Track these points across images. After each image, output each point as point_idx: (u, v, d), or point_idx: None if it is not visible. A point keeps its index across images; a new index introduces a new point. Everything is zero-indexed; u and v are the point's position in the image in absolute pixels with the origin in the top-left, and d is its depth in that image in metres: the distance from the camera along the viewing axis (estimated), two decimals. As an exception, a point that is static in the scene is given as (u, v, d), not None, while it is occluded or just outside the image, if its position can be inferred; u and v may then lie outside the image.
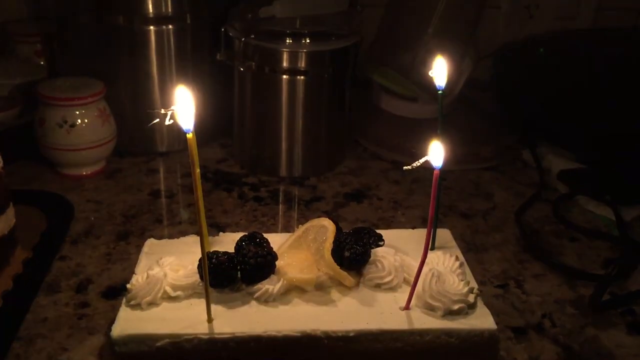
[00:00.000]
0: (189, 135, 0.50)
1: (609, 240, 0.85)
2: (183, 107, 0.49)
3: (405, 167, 0.53)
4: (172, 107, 0.49)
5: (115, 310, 0.61)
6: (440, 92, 0.62)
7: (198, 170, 0.53)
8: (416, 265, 0.58)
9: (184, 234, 0.73)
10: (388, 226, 0.86)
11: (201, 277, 0.58)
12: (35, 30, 1.11)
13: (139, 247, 0.70)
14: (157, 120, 0.50)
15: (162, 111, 0.50)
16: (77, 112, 0.91)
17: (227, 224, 0.85)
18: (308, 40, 0.90)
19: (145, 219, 0.85)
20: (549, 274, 0.77)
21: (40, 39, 1.11)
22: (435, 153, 0.52)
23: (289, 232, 0.69)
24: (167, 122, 0.49)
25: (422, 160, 0.52)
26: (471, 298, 0.58)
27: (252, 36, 0.90)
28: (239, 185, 0.95)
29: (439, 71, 0.62)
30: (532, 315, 0.70)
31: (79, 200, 0.89)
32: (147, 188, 0.93)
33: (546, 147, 1.05)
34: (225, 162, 1.02)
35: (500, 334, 0.61)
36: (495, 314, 0.60)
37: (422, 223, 0.86)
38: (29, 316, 0.67)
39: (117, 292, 0.71)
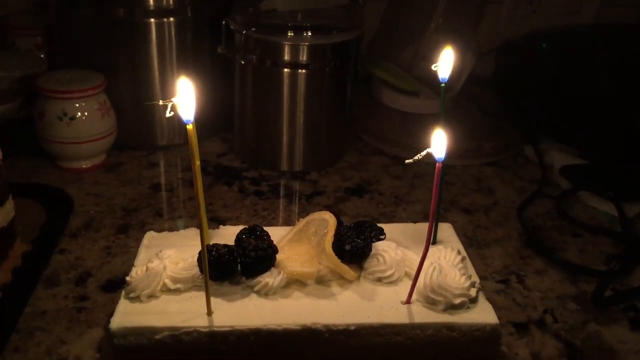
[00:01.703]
0: (189, 127, 0.50)
1: (611, 237, 0.84)
2: (184, 98, 0.49)
3: (407, 161, 0.52)
4: (172, 99, 0.49)
5: (114, 304, 0.60)
6: (442, 84, 0.62)
7: (198, 162, 0.53)
8: (417, 259, 0.57)
9: (184, 227, 0.73)
10: (389, 221, 0.85)
11: (201, 270, 0.58)
12: (35, 23, 1.10)
13: (138, 241, 0.70)
14: (156, 102, 0.50)
15: (161, 102, 0.49)
16: (77, 105, 0.90)
17: (228, 218, 0.85)
18: (309, 34, 0.89)
19: (145, 213, 0.85)
20: (550, 270, 0.77)
21: (40, 32, 1.10)
22: (438, 145, 0.51)
23: (289, 226, 0.68)
24: (168, 114, 0.49)
25: (424, 153, 0.51)
26: (473, 292, 0.58)
27: (253, 29, 0.90)
28: (240, 180, 0.95)
29: (443, 63, 0.61)
30: (533, 311, 0.70)
31: (79, 193, 0.88)
32: (147, 182, 0.93)
33: (548, 142, 1.05)
34: (225, 156, 1.02)
35: (502, 329, 0.61)
36: (496, 309, 0.60)
37: (424, 218, 0.86)
38: (28, 309, 0.66)
39: (116, 285, 0.70)
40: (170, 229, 0.72)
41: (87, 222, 0.82)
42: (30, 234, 0.76)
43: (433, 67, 0.62)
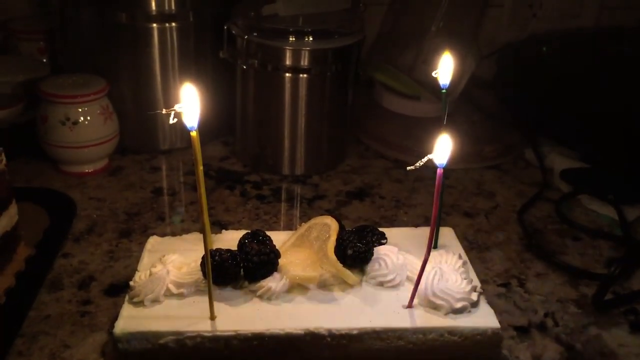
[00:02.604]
0: (193, 133, 0.50)
1: (611, 240, 0.85)
2: (187, 104, 0.49)
3: (409, 168, 0.53)
4: (174, 107, 0.49)
5: (117, 308, 0.61)
6: (443, 90, 0.62)
7: (201, 168, 0.53)
8: (419, 263, 0.58)
9: (186, 231, 0.73)
10: (390, 225, 0.85)
11: (204, 275, 0.58)
12: (37, 28, 1.11)
13: (141, 245, 0.70)
14: (159, 111, 0.50)
15: (164, 111, 0.50)
16: (80, 110, 0.91)
17: (230, 222, 0.85)
18: (311, 38, 0.90)
19: (148, 217, 0.85)
20: (551, 273, 0.77)
21: (42, 37, 1.10)
22: (440, 151, 0.52)
23: (291, 230, 0.69)
24: (171, 121, 0.49)
25: (425, 159, 0.52)
26: (474, 296, 0.58)
27: (255, 34, 0.90)
28: (241, 184, 0.95)
29: (444, 69, 0.61)
30: (534, 314, 0.70)
31: (82, 197, 0.89)
32: (149, 186, 0.93)
33: (549, 146, 1.05)
34: (227, 160, 1.02)
35: (503, 332, 0.61)
36: (497, 312, 0.60)
37: (425, 222, 0.86)
38: (32, 313, 0.67)
39: (119, 289, 0.71)
40: (173, 233, 0.72)
41: (90, 226, 0.83)
42: (33, 238, 0.77)
43: (434, 74, 0.62)
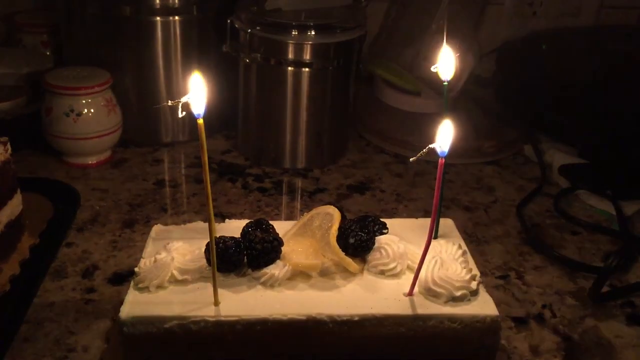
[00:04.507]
0: (200, 121, 0.51)
1: (609, 234, 0.86)
2: (194, 92, 0.50)
3: (412, 159, 0.53)
4: (179, 99, 0.50)
5: (121, 296, 0.61)
6: (445, 82, 0.63)
7: (206, 156, 0.54)
8: (419, 252, 0.58)
9: (189, 222, 0.74)
10: (390, 218, 0.86)
11: (208, 262, 0.59)
12: (41, 21, 1.12)
13: (144, 235, 0.71)
14: (165, 104, 0.51)
15: (170, 103, 0.50)
16: (84, 102, 0.91)
17: (232, 213, 0.86)
18: (313, 33, 0.91)
19: (150, 208, 0.86)
20: (549, 266, 0.78)
21: (46, 30, 1.11)
22: (442, 139, 0.52)
23: (292, 221, 0.69)
24: (180, 115, 0.50)
25: (426, 149, 0.52)
26: (473, 285, 0.59)
27: (258, 28, 0.91)
28: (243, 176, 0.96)
29: (445, 62, 0.62)
30: (532, 306, 0.71)
31: (85, 188, 0.89)
32: (151, 178, 0.94)
33: (548, 142, 1.06)
34: (229, 153, 1.03)
35: (501, 323, 0.62)
36: (496, 304, 0.61)
37: (424, 215, 0.87)
38: (37, 300, 0.68)
39: (122, 278, 0.72)
40: (176, 224, 0.73)
41: (93, 216, 0.83)
42: (37, 227, 0.77)
43: (432, 69, 0.63)
